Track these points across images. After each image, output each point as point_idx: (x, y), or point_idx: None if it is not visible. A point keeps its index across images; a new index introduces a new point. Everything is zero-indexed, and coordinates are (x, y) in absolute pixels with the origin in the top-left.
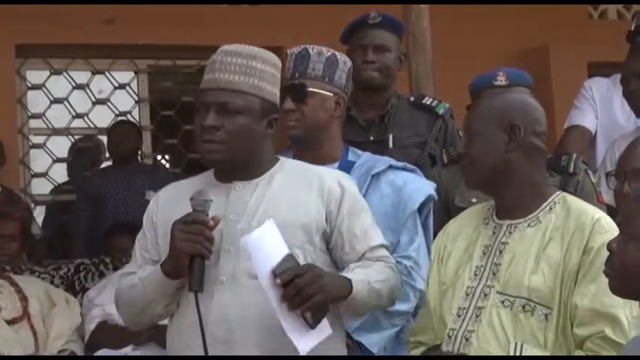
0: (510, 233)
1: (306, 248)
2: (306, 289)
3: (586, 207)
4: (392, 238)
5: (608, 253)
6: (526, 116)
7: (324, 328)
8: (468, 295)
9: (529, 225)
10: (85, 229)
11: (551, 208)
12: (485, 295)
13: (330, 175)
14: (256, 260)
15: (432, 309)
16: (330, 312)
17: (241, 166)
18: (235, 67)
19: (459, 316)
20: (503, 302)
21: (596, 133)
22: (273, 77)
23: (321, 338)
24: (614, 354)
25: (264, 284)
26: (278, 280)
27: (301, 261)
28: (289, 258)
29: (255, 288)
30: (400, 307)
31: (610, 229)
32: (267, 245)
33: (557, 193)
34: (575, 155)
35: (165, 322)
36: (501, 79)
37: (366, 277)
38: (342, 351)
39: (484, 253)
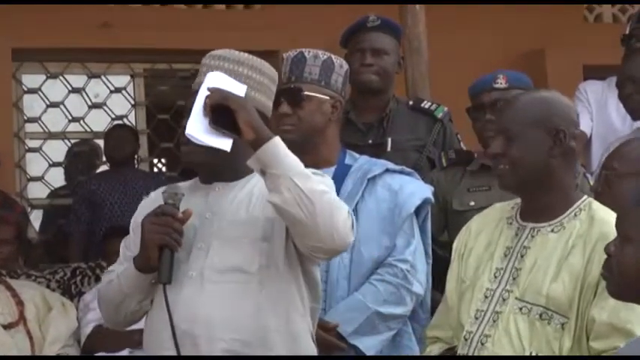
0: (533, 237)
1: (274, 240)
2: (227, 98)
3: (610, 217)
4: (388, 241)
5: None
6: (568, 119)
7: (222, 142)
8: (487, 297)
9: (552, 230)
10: (82, 233)
11: (576, 215)
12: (504, 299)
13: None
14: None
15: (450, 306)
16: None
17: (220, 168)
18: (221, 71)
19: (477, 318)
20: (521, 309)
21: (591, 136)
22: (261, 85)
23: (211, 143)
24: None
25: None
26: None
27: (271, 254)
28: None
29: (223, 284)
30: (396, 310)
31: None
32: (227, 84)
33: (584, 198)
34: None
35: None
36: (501, 82)
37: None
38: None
39: (505, 255)
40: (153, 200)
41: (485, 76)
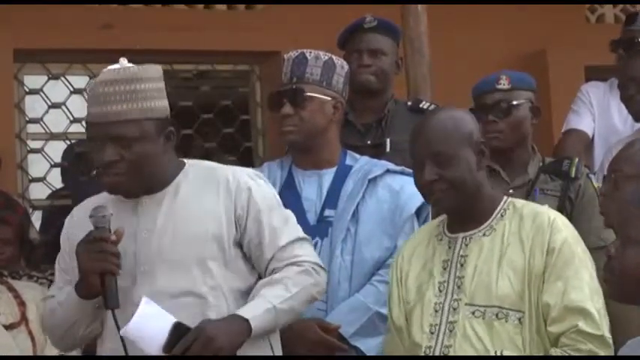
0: (467, 245)
1: (219, 259)
2: (203, 356)
3: (538, 208)
4: (389, 242)
5: (569, 250)
6: (479, 132)
7: None
8: (437, 311)
9: (484, 234)
10: None
11: (502, 215)
12: (454, 309)
13: (236, 176)
14: (145, 345)
15: (398, 328)
16: None
17: (146, 185)
18: (120, 96)
19: (432, 332)
20: (474, 313)
21: (593, 137)
22: (159, 91)
23: None
24: (590, 346)
25: None
26: None
27: (217, 273)
28: (177, 328)
29: (176, 307)
30: None
31: (566, 227)
32: (150, 326)
33: (505, 199)
34: (577, 160)
35: None
36: (504, 83)
37: (270, 302)
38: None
39: (444, 268)
40: (79, 219)
41: (488, 76)
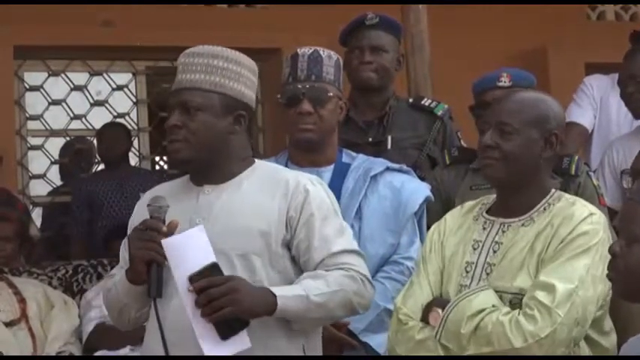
0: (504, 232)
1: (264, 256)
2: (218, 301)
3: (579, 204)
4: (392, 239)
5: (583, 241)
6: (561, 125)
7: (240, 342)
8: (460, 292)
9: (523, 224)
10: (82, 234)
11: (545, 209)
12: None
13: (297, 179)
14: (175, 263)
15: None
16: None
17: (209, 165)
18: (196, 67)
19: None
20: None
21: (591, 133)
22: (240, 75)
23: (234, 351)
24: (534, 312)
25: (179, 288)
26: (190, 287)
27: (259, 269)
28: (213, 267)
29: None
30: None
31: (595, 224)
32: (191, 250)
33: (552, 192)
34: (577, 157)
35: None
36: (505, 80)
37: (305, 290)
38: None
39: (474, 248)
40: (145, 202)
41: (489, 74)
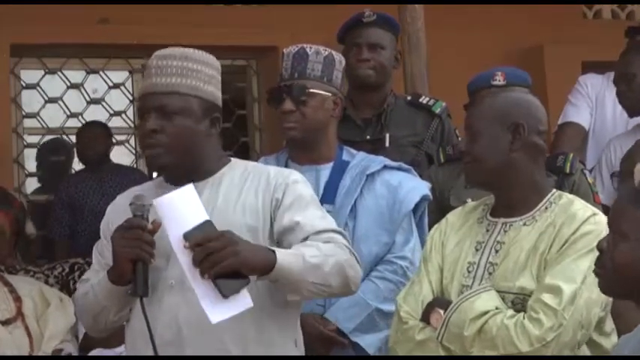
0: (505, 232)
1: None
2: (216, 254)
3: (579, 204)
4: (387, 238)
5: (587, 242)
6: (529, 115)
7: (242, 300)
8: (463, 293)
9: (525, 224)
10: (65, 236)
11: (547, 208)
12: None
13: (277, 173)
14: (169, 223)
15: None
16: (272, 301)
17: (188, 168)
18: (171, 70)
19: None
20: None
21: (588, 131)
22: (211, 78)
23: (236, 311)
24: (540, 316)
25: (175, 248)
26: (187, 243)
27: None
28: (207, 224)
29: None
30: None
31: (598, 224)
32: (184, 209)
33: (553, 191)
34: (571, 155)
35: None
36: (499, 79)
37: (300, 252)
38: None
39: (477, 249)
40: (119, 206)
41: (484, 73)
